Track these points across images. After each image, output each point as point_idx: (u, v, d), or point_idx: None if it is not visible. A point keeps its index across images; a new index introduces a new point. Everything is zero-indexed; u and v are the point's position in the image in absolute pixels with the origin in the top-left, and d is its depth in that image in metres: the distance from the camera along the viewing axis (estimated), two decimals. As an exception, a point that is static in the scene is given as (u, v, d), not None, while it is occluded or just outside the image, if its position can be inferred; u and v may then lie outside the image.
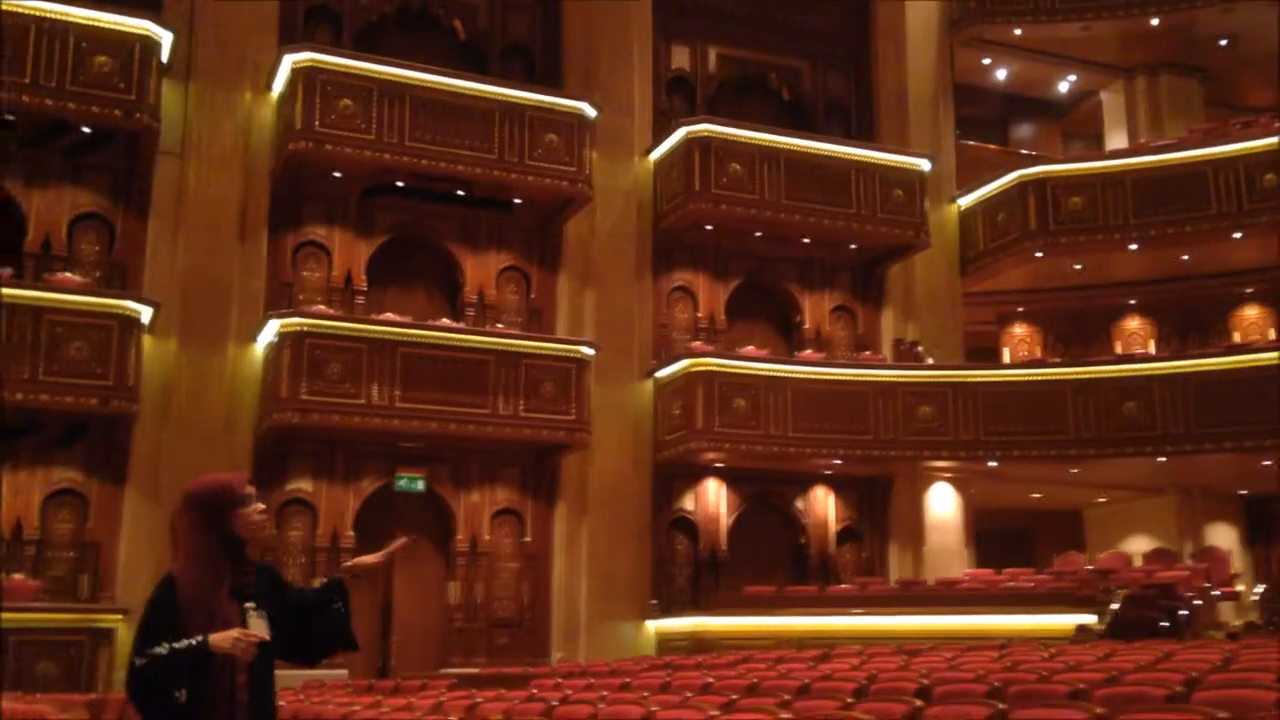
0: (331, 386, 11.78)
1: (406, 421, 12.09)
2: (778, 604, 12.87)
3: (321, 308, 12.59)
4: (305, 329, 11.93)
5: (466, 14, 14.74)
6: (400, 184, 13.21)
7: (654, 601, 13.59)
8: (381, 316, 12.61)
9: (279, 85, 12.89)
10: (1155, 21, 16.60)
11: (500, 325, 13.47)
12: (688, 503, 14.39)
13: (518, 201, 13.82)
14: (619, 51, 14.95)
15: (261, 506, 3.09)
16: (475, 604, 12.96)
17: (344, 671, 10.96)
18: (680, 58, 15.85)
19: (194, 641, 2.84)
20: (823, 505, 14.88)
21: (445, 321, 13.04)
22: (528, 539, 13.37)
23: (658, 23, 15.45)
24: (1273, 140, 14.47)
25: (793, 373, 14.02)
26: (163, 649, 2.83)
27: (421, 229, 13.74)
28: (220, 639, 2.85)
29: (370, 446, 12.65)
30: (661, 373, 14.11)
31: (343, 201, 13.32)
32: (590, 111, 13.90)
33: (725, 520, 14.42)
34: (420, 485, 12.84)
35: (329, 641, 3.20)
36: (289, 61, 12.67)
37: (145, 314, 11.68)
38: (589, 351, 13.23)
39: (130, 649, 2.89)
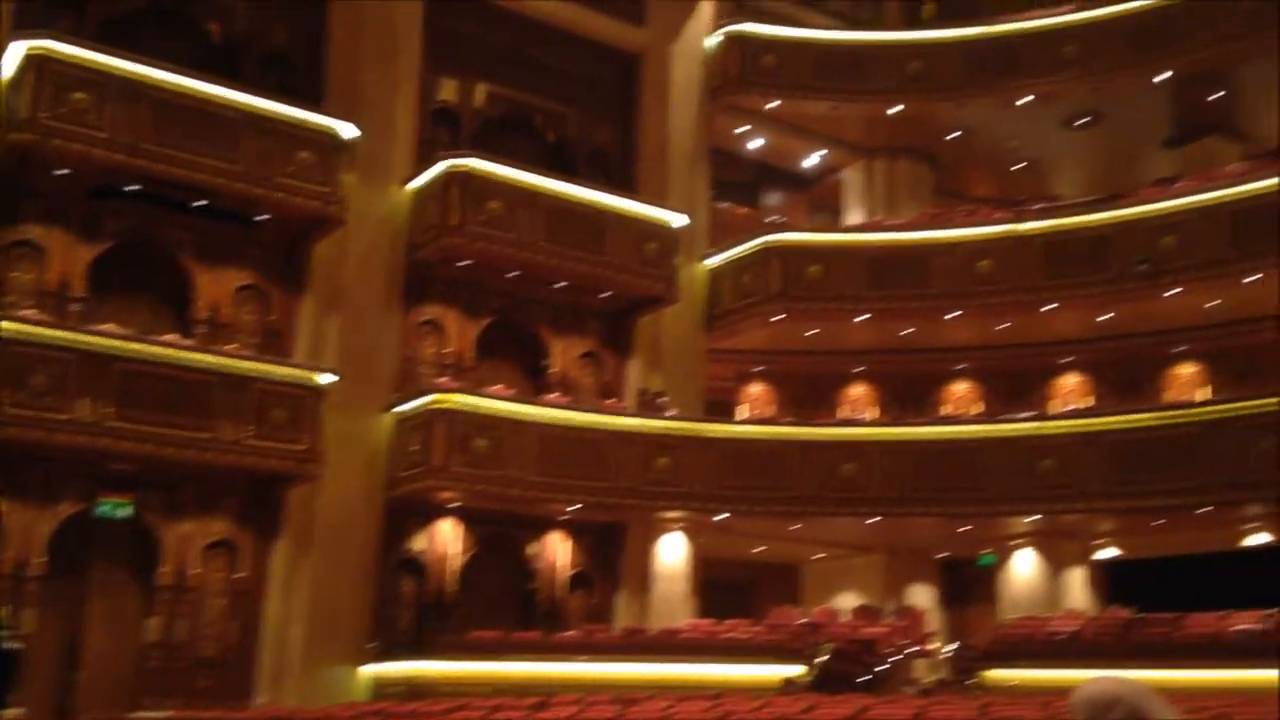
0: (33, 399, 10.79)
1: (118, 442, 11.23)
2: (501, 650, 12.73)
3: (29, 313, 11.56)
4: (7, 335, 10.92)
5: (225, 18, 14.09)
6: (133, 188, 12.41)
7: (373, 644, 13.14)
8: (98, 327, 11.71)
9: (6, 72, 11.87)
10: (896, 109, 17.80)
11: (234, 346, 12.80)
12: (419, 542, 14.06)
13: (263, 218, 13.24)
14: (385, 76, 14.67)
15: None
16: (176, 642, 12.09)
17: (19, 710, 10.00)
18: (448, 90, 15.70)
19: None
20: (556, 550, 14.89)
21: (170, 337, 12.25)
22: (242, 574, 12.66)
23: (427, 52, 15.26)
24: (989, 230, 15.74)
25: (537, 415, 14.00)
26: None
27: (153, 238, 12.91)
28: None
29: (73, 466, 11.65)
30: (403, 407, 13.78)
31: (66, 201, 12.34)
32: (349, 133, 13.54)
33: (456, 562, 14.17)
34: (125, 512, 11.94)
35: None
36: (20, 48, 11.72)
37: None
38: (326, 379, 12.77)
39: None
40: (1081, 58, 16.53)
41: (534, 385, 15.43)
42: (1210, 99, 16.91)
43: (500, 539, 14.60)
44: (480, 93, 15.85)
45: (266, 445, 12.11)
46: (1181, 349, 16.00)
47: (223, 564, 12.60)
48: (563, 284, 15.16)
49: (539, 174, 14.81)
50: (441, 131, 15.51)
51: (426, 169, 14.48)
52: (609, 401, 15.41)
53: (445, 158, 14.32)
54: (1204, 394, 15.41)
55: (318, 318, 13.66)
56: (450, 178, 14.20)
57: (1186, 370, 16.02)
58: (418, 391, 13.74)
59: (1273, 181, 13.81)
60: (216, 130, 12.55)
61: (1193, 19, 15.73)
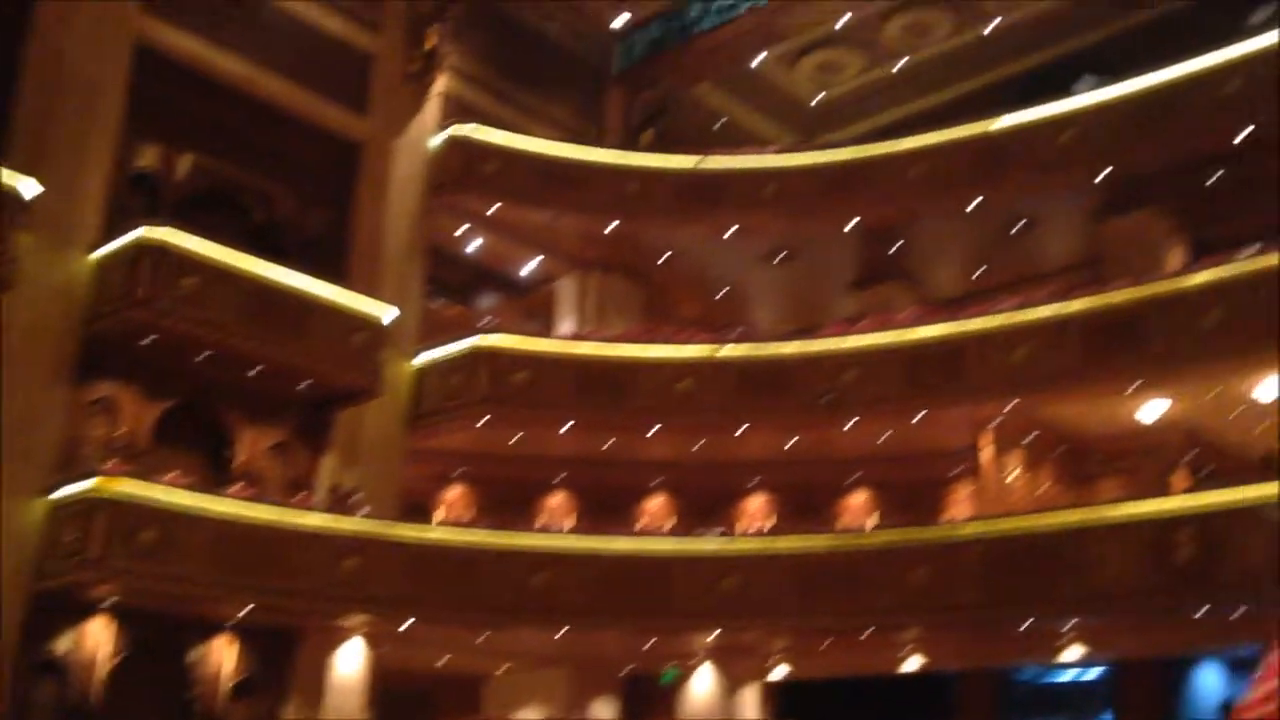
0: None
1: None
2: (148, 765, 11.64)
3: None
4: None
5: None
6: None
7: (-3, 760, 11.72)
8: None
9: None
10: (612, 227, 18.36)
11: None
12: (65, 643, 12.70)
13: (-87, 275, 11.94)
14: (79, 133, 13.74)
15: None
16: None
17: None
18: (149, 156, 14.82)
19: None
20: (222, 655, 13.84)
21: None
22: None
23: (130, 115, 14.42)
24: (691, 351, 16.36)
25: (214, 508, 13.13)
26: None
27: None
28: None
29: None
30: (62, 491, 12.60)
31: None
32: (30, 190, 12.53)
33: (106, 666, 12.89)
34: None
35: None
36: None
37: None
38: (-30, 459, 11.50)
39: None
40: (780, 199, 17.71)
41: (217, 476, 14.49)
42: (891, 248, 18.49)
43: (159, 641, 13.41)
44: (184, 163, 15.07)
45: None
46: (855, 477, 17.09)
47: None
48: (258, 370, 14.45)
49: (242, 253, 14.18)
50: (138, 199, 14.60)
51: (117, 236, 13.59)
52: (297, 497, 14.69)
53: (139, 227, 13.49)
54: (872, 521, 16.47)
55: (-31, 388, 12.34)
56: (142, 248, 13.38)
57: (859, 498, 17.11)
58: (80, 475, 12.61)
59: (939, 329, 15.16)
60: None
61: (874, 177, 17.24)
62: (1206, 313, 13.07)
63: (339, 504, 14.74)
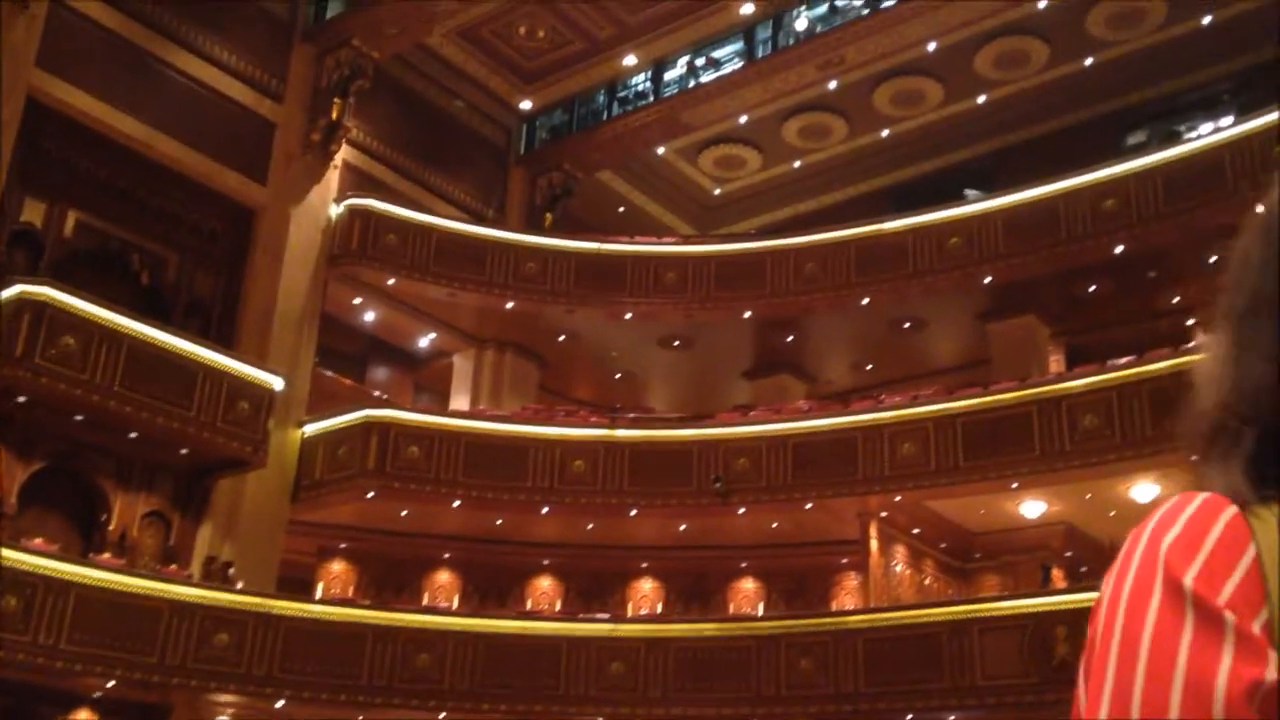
0: None
1: None
2: None
3: None
4: None
5: None
6: None
7: None
8: None
9: None
10: (510, 305, 18.37)
11: None
12: (-94, 717, 11.93)
13: None
14: (-38, 183, 13.27)
15: None
16: None
17: None
18: (34, 212, 14.39)
19: None
20: (80, 733, 13.15)
21: None
22: None
23: (16, 168, 14.00)
24: (585, 432, 16.36)
25: (79, 576, 12.53)
26: None
27: None
28: None
29: None
30: (-84, 555, 11.87)
31: None
32: (-96, 239, 11.99)
33: (-46, 742, 12.14)
34: None
35: None
36: None
37: None
38: None
39: None
40: (678, 286, 17.99)
41: (86, 542, 13.86)
42: (784, 341, 18.88)
43: (19, 714, 12.68)
44: (70, 220, 14.66)
45: None
46: (744, 565, 17.17)
47: None
48: (136, 434, 13.96)
49: (125, 315, 13.78)
50: (19, 255, 14.12)
51: (-5, 292, 13.11)
52: (170, 568, 14.11)
53: (18, 283, 13.03)
54: (761, 609, 16.52)
55: None
56: (21, 305, 12.90)
57: (748, 585, 17.17)
58: (-62, 539, 11.92)
59: (829, 422, 15.47)
60: None
61: (770, 269, 17.65)
62: (1084, 416, 13.62)
63: (214, 575, 14.21)
